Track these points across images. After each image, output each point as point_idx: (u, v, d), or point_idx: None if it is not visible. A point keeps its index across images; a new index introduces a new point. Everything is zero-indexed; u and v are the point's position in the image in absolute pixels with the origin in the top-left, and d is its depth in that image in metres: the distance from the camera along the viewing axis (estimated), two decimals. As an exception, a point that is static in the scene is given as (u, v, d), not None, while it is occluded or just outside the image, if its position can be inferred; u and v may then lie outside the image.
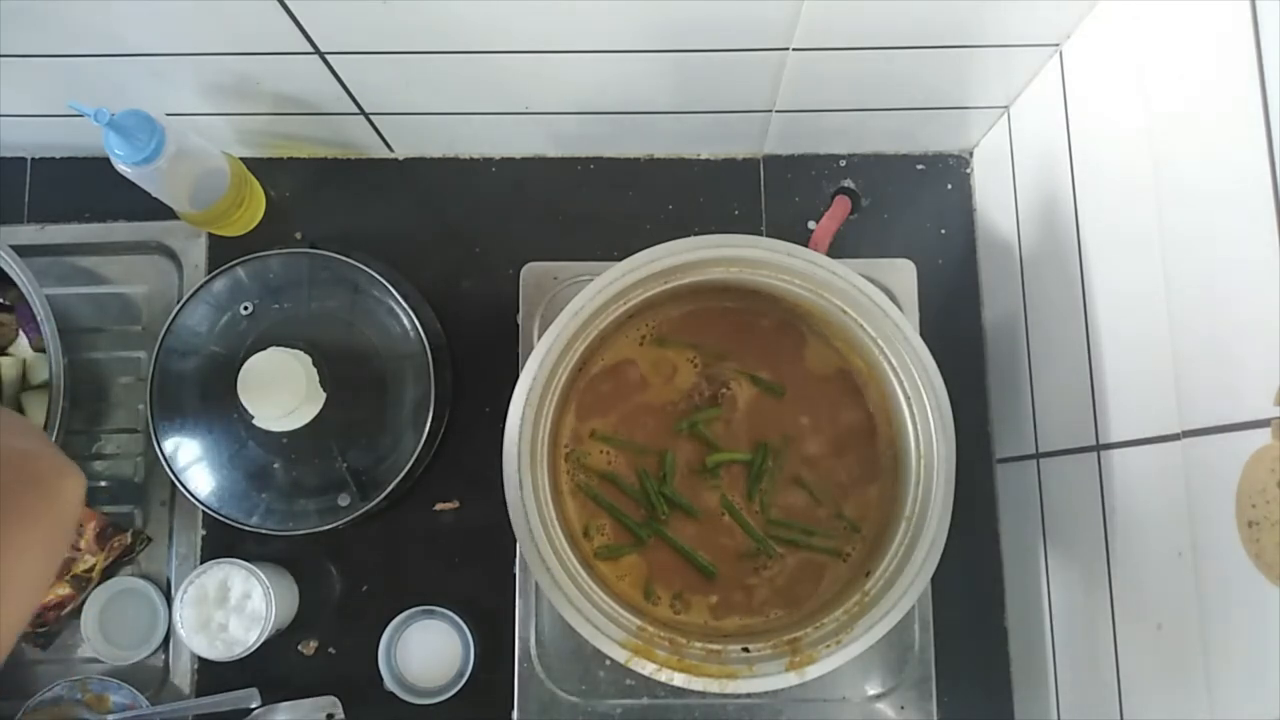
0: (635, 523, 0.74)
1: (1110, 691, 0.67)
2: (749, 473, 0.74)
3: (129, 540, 0.82)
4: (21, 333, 0.84)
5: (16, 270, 0.77)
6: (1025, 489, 0.81)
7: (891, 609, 0.67)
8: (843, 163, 0.92)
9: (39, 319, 0.77)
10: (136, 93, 0.77)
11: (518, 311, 0.81)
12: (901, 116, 0.85)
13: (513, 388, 0.69)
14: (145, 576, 0.84)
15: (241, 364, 0.74)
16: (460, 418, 0.85)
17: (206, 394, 0.78)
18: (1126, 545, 0.65)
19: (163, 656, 0.84)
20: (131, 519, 0.86)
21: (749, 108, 0.83)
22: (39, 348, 0.82)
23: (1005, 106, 0.83)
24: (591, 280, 0.69)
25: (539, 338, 0.71)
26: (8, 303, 0.83)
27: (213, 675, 0.84)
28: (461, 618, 0.82)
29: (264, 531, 0.78)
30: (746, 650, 0.68)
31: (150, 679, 0.84)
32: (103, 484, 0.87)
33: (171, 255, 0.90)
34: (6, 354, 0.84)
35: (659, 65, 0.75)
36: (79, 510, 0.56)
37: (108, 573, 0.83)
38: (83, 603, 0.82)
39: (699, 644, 0.68)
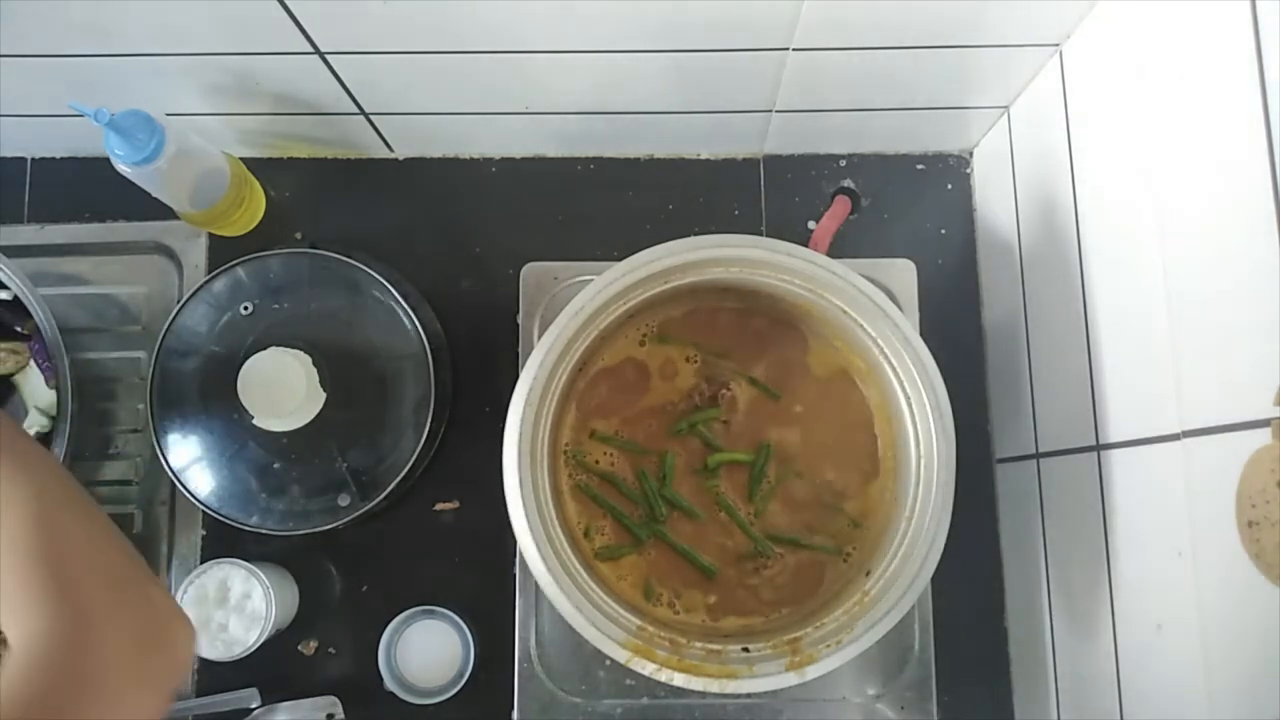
0: (635, 523, 0.74)
1: (1110, 691, 0.67)
2: (749, 473, 0.74)
3: None
4: (33, 363, 0.84)
5: (34, 305, 0.78)
6: (1025, 489, 0.81)
7: (891, 609, 0.67)
8: (843, 163, 0.92)
9: (53, 358, 0.77)
10: (136, 93, 0.77)
11: (518, 311, 0.81)
12: (901, 116, 0.85)
13: (513, 388, 0.69)
14: None
15: (241, 364, 0.73)
16: (460, 418, 0.85)
17: (206, 394, 0.78)
18: (1126, 545, 0.65)
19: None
20: (132, 519, 0.86)
21: (749, 108, 0.83)
22: (53, 386, 0.82)
23: (1005, 106, 0.83)
24: (591, 280, 0.69)
25: (539, 338, 0.71)
26: (25, 333, 0.84)
27: (213, 675, 0.84)
28: (461, 618, 0.82)
29: (264, 531, 0.78)
30: (746, 650, 0.68)
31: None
32: (104, 484, 0.87)
33: (171, 255, 0.90)
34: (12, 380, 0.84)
35: (659, 65, 0.75)
36: (190, 666, 0.52)
37: None
38: None
39: (699, 644, 0.68)
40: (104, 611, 0.47)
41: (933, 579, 0.68)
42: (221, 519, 0.78)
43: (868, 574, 0.70)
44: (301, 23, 0.68)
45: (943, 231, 0.91)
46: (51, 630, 0.45)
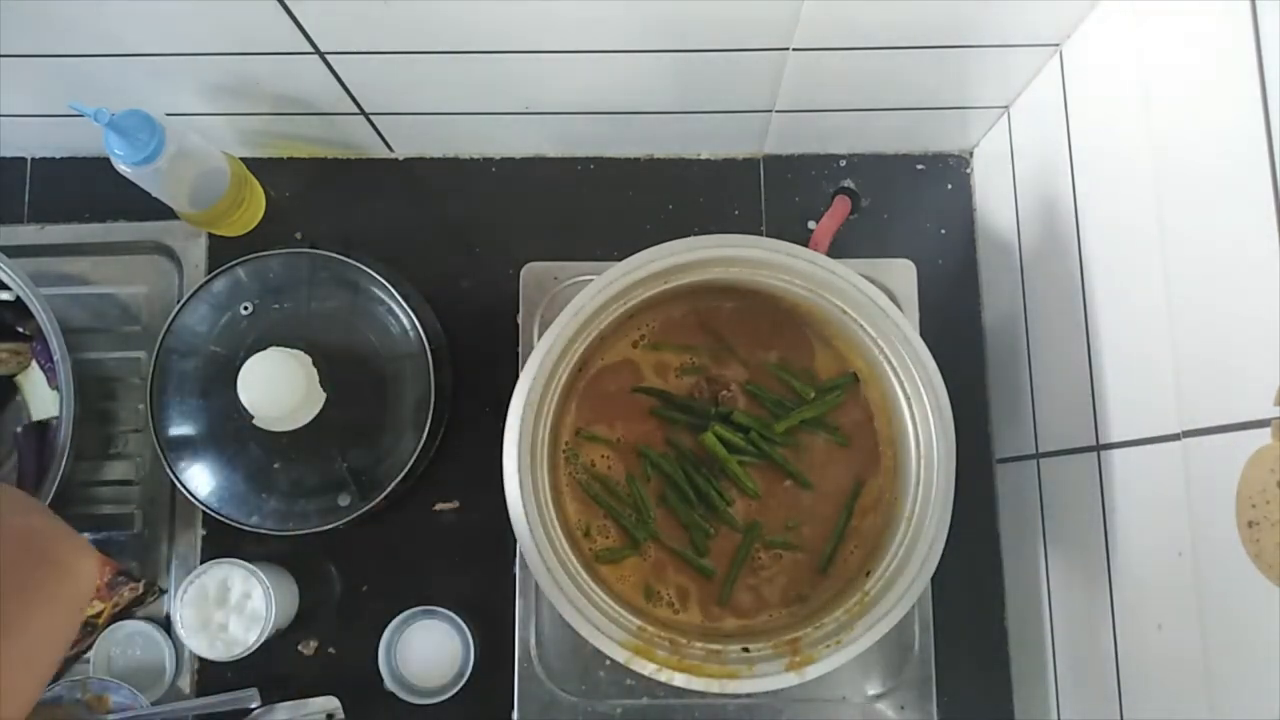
0: (632, 523, 0.74)
1: (1110, 691, 0.67)
2: (749, 474, 0.74)
3: (140, 590, 0.82)
4: (35, 363, 0.84)
5: (36, 305, 0.78)
6: (1025, 489, 0.81)
7: (891, 609, 0.67)
8: (843, 163, 0.92)
9: (55, 359, 0.77)
10: (136, 93, 0.77)
11: (518, 311, 0.81)
12: (901, 116, 0.85)
13: (513, 388, 0.69)
14: (147, 618, 0.84)
15: (241, 364, 0.73)
16: (460, 418, 0.85)
17: (207, 394, 0.78)
18: (1126, 545, 0.65)
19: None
20: (132, 519, 0.86)
21: (749, 108, 0.83)
22: (54, 387, 0.83)
23: (1005, 106, 0.83)
24: (591, 280, 0.69)
25: (539, 338, 0.71)
26: (27, 333, 0.84)
27: (213, 675, 0.84)
28: (461, 618, 0.82)
29: (264, 531, 0.78)
30: (746, 650, 0.68)
31: (151, 679, 0.84)
32: (104, 484, 0.87)
33: (171, 255, 0.90)
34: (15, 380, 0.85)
35: (659, 65, 0.75)
36: (92, 589, 0.54)
37: (116, 619, 0.82)
38: (88, 647, 0.82)
39: (699, 644, 0.68)
40: None
41: (933, 579, 0.68)
42: (221, 519, 0.78)
43: (868, 574, 0.70)
44: (301, 23, 0.68)
45: (943, 231, 0.91)
46: None
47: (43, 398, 0.84)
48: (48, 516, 0.55)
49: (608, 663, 0.75)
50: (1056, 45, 0.72)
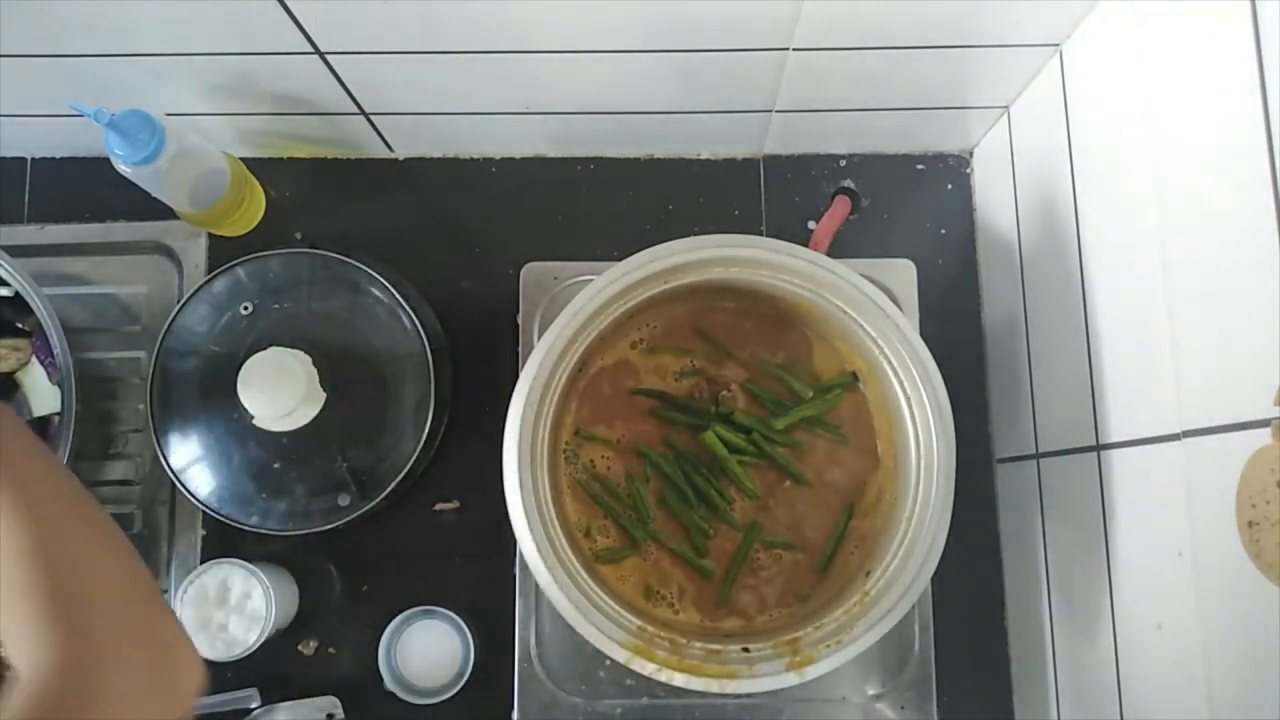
0: (632, 523, 0.74)
1: (1110, 691, 0.67)
2: (748, 474, 0.74)
3: None
4: (35, 360, 0.84)
5: (36, 301, 0.78)
6: (1025, 489, 0.81)
7: (891, 609, 0.67)
8: (843, 163, 0.92)
9: (55, 353, 0.77)
10: (136, 93, 0.77)
11: (518, 311, 0.81)
12: (901, 116, 0.85)
13: (513, 388, 0.69)
14: None
15: (241, 364, 0.73)
16: (460, 418, 0.85)
17: (206, 394, 0.78)
18: (1126, 545, 0.65)
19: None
20: (132, 519, 0.86)
21: (749, 108, 0.83)
22: (55, 382, 0.83)
23: (1005, 106, 0.83)
24: (591, 280, 0.69)
25: (539, 338, 0.71)
26: (26, 329, 0.84)
27: (213, 675, 0.83)
28: (461, 618, 0.82)
29: (264, 531, 0.78)
30: (746, 650, 0.68)
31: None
32: (105, 484, 0.87)
33: (171, 255, 0.90)
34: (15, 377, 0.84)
35: (659, 65, 0.75)
36: (196, 698, 0.51)
37: None
38: None
39: (699, 644, 0.68)
40: (112, 641, 0.46)
41: (933, 579, 0.68)
42: (221, 519, 0.78)
43: (868, 574, 0.70)
44: (301, 23, 0.68)
45: (943, 231, 0.91)
46: (58, 661, 0.44)
47: (43, 394, 0.84)
48: (164, 610, 0.51)
49: (608, 663, 0.75)
50: (1056, 45, 0.72)
